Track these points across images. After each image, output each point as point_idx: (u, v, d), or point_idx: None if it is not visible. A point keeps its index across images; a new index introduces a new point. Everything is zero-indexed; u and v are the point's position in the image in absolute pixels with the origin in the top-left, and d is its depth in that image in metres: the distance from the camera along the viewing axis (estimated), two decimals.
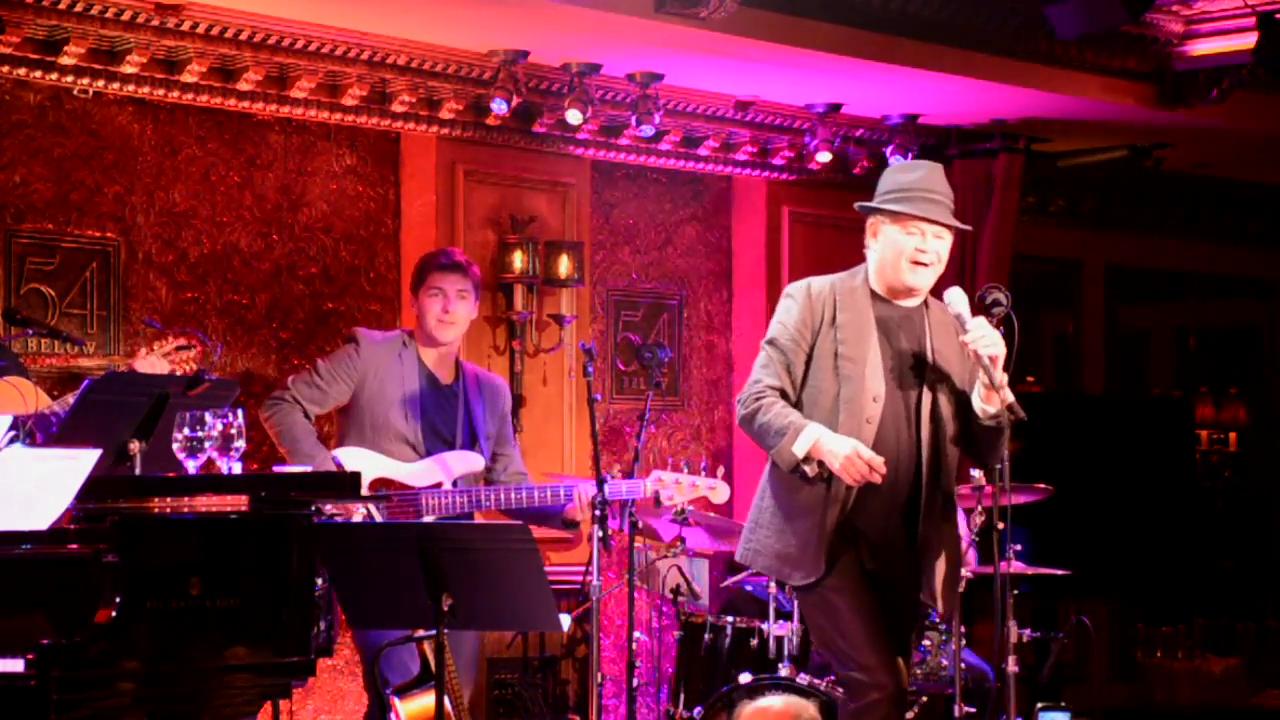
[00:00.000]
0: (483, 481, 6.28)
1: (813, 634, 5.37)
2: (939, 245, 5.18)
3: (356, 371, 6.19)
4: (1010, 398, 5.10)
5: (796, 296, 5.21)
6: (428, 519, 6.05)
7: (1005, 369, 5.32)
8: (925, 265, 5.17)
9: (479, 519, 6.34)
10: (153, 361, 5.80)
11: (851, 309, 5.17)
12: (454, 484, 6.16)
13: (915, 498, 5.19)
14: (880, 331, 5.17)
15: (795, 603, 6.47)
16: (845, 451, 5.01)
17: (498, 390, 6.46)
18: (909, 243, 5.15)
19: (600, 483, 5.99)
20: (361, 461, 6.05)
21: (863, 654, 5.14)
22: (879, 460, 5.03)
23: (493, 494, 6.17)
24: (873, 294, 5.22)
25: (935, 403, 5.19)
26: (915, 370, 5.19)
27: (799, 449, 5.05)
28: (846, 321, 5.15)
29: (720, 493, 6.30)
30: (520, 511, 6.19)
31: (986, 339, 5.06)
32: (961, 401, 5.23)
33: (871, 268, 5.24)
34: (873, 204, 5.20)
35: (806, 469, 5.07)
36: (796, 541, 5.16)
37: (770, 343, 5.21)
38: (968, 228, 5.30)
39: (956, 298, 5.18)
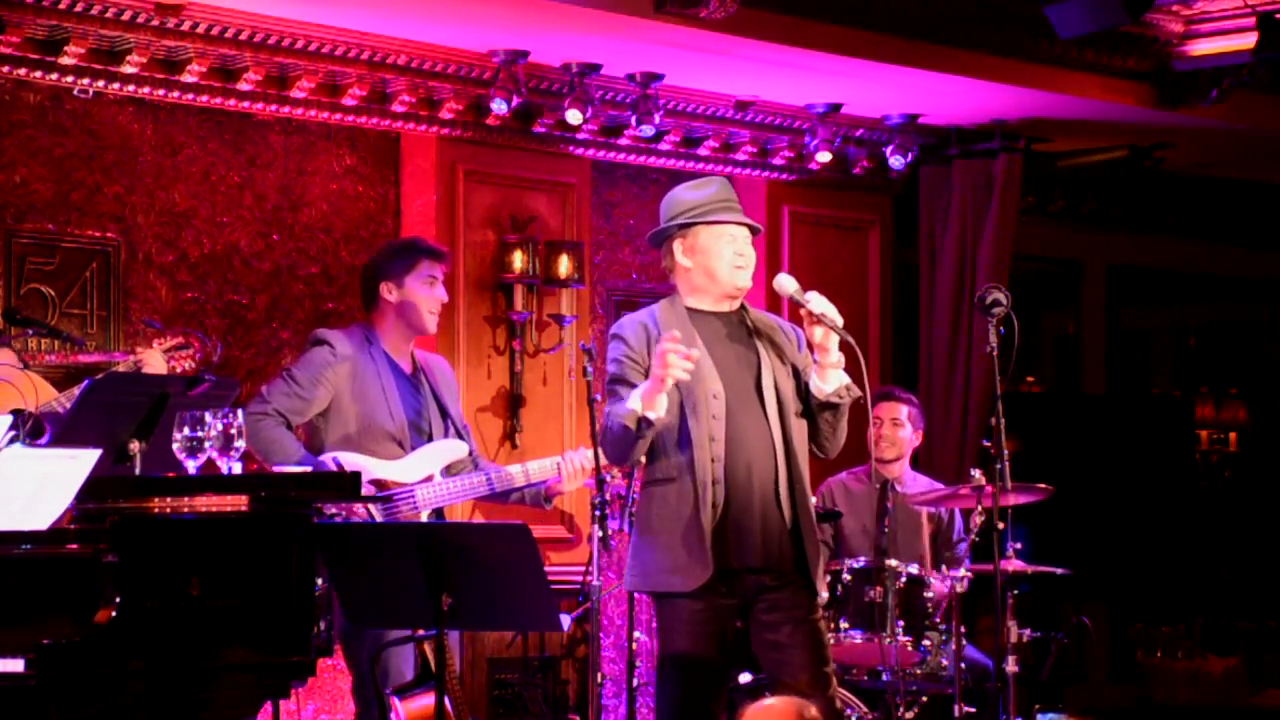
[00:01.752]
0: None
1: (663, 650, 5.35)
2: (750, 248, 5.40)
3: (336, 374, 6.06)
4: (846, 378, 5.30)
5: (620, 333, 5.40)
6: (424, 513, 6.03)
7: (1003, 371, 5.37)
8: (745, 267, 5.38)
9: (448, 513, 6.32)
10: (154, 358, 5.80)
11: (673, 326, 5.30)
12: (443, 473, 6.14)
13: (778, 482, 5.28)
14: (705, 340, 5.32)
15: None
16: (657, 363, 5.10)
17: (446, 370, 6.43)
18: (727, 248, 5.35)
19: (600, 483, 5.99)
20: (351, 465, 5.98)
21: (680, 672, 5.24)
22: (676, 334, 5.14)
23: (483, 477, 6.15)
24: (690, 311, 5.39)
25: (776, 389, 5.32)
26: (748, 364, 5.34)
27: (632, 403, 5.15)
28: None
29: None
30: (506, 494, 6.21)
31: (825, 302, 5.25)
32: (798, 389, 5.38)
33: (688, 286, 5.40)
34: (686, 221, 5.35)
35: (650, 416, 5.12)
36: (681, 548, 5.20)
37: (613, 380, 5.32)
38: (760, 227, 5.49)
39: (785, 281, 5.34)
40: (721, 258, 5.35)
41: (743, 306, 5.45)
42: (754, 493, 5.24)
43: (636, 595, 6.83)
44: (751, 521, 5.23)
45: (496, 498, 6.28)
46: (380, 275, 6.22)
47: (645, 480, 5.33)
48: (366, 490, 5.94)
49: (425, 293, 6.18)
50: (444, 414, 6.24)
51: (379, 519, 5.84)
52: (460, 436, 6.25)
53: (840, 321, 5.25)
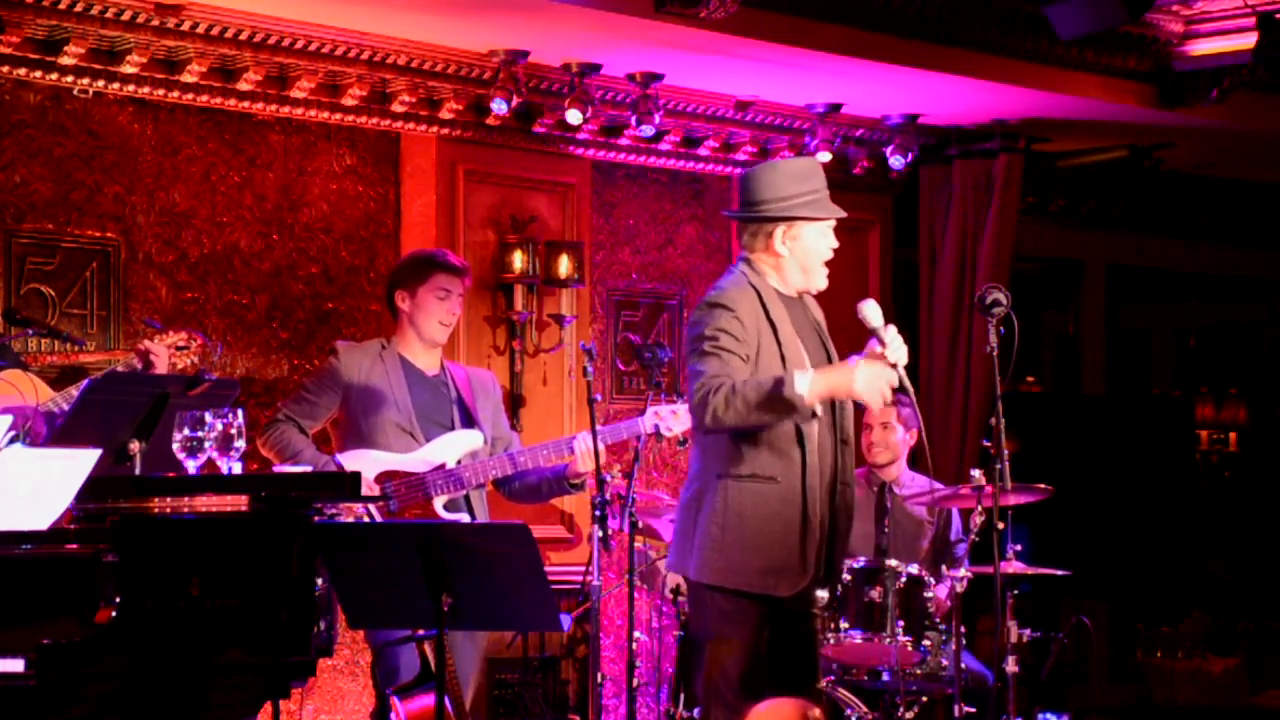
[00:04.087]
0: None
1: (714, 648, 5.19)
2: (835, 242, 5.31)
3: (342, 376, 6.23)
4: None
5: (728, 304, 5.13)
6: (439, 500, 6.07)
7: (1003, 371, 5.51)
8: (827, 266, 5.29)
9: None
10: (157, 350, 5.79)
11: (777, 310, 5.18)
12: (458, 463, 6.17)
13: (843, 484, 5.23)
14: (796, 330, 5.21)
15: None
16: (862, 373, 4.98)
17: (487, 381, 6.49)
18: (825, 244, 5.23)
19: (600, 483, 5.99)
20: (364, 460, 6.07)
21: (742, 690, 5.11)
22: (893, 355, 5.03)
23: (496, 463, 6.17)
24: (779, 294, 5.24)
25: None
26: (826, 362, 5.25)
27: (805, 389, 4.97)
28: (779, 320, 5.17)
29: None
30: (526, 482, 6.21)
31: (903, 348, 5.10)
32: None
33: (774, 269, 5.23)
34: (797, 213, 5.18)
35: (818, 409, 5.04)
36: (782, 551, 5.10)
37: (719, 347, 5.08)
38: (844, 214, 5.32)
39: (872, 311, 5.13)
40: (820, 253, 5.21)
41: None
42: (839, 499, 5.21)
43: (637, 595, 6.82)
44: (844, 528, 5.24)
45: (526, 495, 6.30)
46: (396, 284, 6.36)
47: (732, 474, 5.10)
48: (370, 490, 5.99)
49: (435, 305, 6.26)
50: (468, 414, 6.27)
51: (378, 519, 5.85)
52: (494, 442, 6.30)
53: (904, 361, 5.12)
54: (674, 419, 6.24)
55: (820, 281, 5.26)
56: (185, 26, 6.75)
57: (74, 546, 4.11)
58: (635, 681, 6.29)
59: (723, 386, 5.00)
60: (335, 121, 7.48)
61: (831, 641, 6.60)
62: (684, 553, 5.20)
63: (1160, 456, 10.47)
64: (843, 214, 5.24)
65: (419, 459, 6.15)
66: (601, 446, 6.06)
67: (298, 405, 6.24)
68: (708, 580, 5.15)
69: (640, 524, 6.56)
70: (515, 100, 7.42)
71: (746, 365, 5.09)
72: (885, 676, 6.64)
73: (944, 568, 6.92)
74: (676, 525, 5.29)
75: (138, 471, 4.89)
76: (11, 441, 4.47)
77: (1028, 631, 6.59)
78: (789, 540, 5.10)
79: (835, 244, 5.25)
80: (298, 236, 7.52)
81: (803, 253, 5.21)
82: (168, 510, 4.26)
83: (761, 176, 5.22)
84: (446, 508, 6.12)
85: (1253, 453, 12.35)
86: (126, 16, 6.62)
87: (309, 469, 5.74)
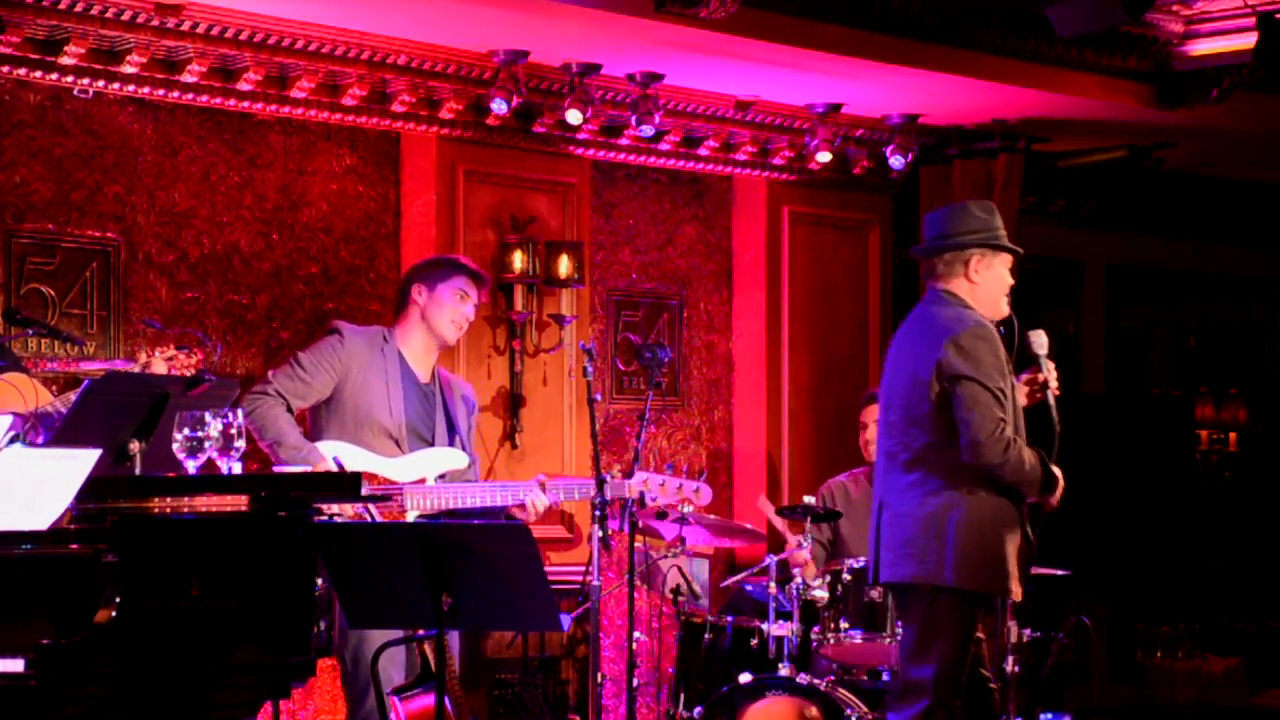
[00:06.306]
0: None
1: (949, 642, 5.56)
2: None
3: (340, 363, 6.14)
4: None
5: (988, 336, 5.56)
6: (411, 515, 6.04)
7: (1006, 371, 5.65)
8: None
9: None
10: (154, 365, 5.80)
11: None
12: (437, 480, 6.15)
13: None
14: None
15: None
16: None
17: (469, 395, 6.47)
18: (1008, 278, 5.70)
19: (600, 483, 5.99)
20: (344, 456, 6.01)
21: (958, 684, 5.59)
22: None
23: (476, 490, 6.14)
24: None
25: None
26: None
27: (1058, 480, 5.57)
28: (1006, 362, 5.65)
29: (702, 496, 6.46)
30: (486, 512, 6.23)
31: (1054, 375, 5.79)
32: None
33: (974, 299, 5.65)
34: (999, 243, 5.67)
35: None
36: (1014, 556, 5.55)
37: (992, 386, 5.50)
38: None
39: (1042, 341, 5.77)
40: (1005, 285, 5.67)
41: None
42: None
43: (637, 595, 6.82)
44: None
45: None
46: (415, 277, 6.34)
47: (980, 489, 5.53)
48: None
49: (452, 303, 6.25)
50: (451, 429, 6.25)
51: (378, 518, 5.84)
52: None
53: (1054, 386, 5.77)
54: (660, 491, 6.34)
55: (1003, 309, 5.69)
56: (185, 26, 6.75)
57: (74, 546, 4.11)
58: (635, 681, 6.29)
59: (1010, 446, 5.47)
60: (335, 121, 7.48)
61: (831, 641, 6.61)
62: (926, 559, 5.55)
63: (1160, 456, 10.47)
64: (1021, 251, 5.79)
65: (399, 467, 6.10)
66: (564, 499, 6.20)
67: (290, 383, 6.10)
68: (970, 586, 5.55)
69: (640, 524, 6.57)
70: (515, 100, 7.42)
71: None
72: (885, 676, 6.64)
73: None
74: (907, 531, 5.60)
75: (138, 471, 4.89)
76: (11, 442, 4.47)
77: (1028, 631, 6.59)
78: (1021, 549, 5.56)
79: (1012, 281, 5.71)
80: (298, 236, 7.52)
81: (993, 281, 5.64)
82: (168, 510, 4.26)
83: (955, 213, 5.73)
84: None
85: (1253, 453, 12.35)
86: (126, 16, 6.61)
87: (299, 467, 5.73)
